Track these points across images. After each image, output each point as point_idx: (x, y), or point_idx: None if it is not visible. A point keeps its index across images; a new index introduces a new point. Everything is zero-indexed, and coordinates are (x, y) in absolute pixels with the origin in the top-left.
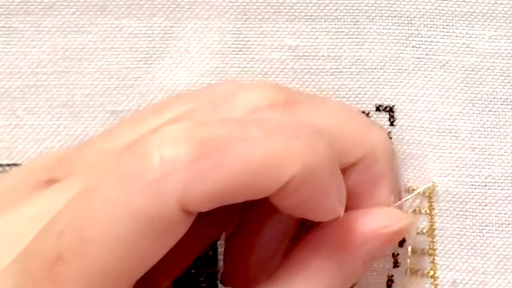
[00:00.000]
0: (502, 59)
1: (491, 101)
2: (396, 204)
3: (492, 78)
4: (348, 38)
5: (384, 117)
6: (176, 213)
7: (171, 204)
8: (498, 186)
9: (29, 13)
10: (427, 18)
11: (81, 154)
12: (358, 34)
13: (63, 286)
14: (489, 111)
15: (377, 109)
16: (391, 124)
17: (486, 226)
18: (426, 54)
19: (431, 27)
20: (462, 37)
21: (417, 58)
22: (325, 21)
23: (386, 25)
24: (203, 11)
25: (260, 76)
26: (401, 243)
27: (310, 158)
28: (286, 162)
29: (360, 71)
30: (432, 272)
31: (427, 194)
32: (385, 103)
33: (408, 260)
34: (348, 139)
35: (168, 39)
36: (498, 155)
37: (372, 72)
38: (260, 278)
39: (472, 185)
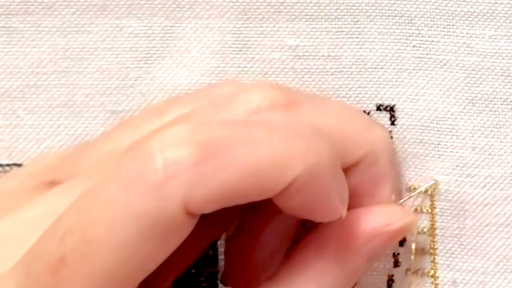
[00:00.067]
0: (503, 59)
1: (491, 101)
2: (398, 203)
3: (492, 78)
4: (349, 38)
5: (385, 116)
6: (180, 215)
7: (175, 206)
8: (498, 186)
9: (29, 13)
10: (427, 17)
11: (82, 155)
12: (358, 34)
13: None
14: (490, 110)
15: (378, 108)
16: (392, 123)
17: (486, 226)
18: (427, 54)
19: (431, 26)
20: (463, 36)
21: (417, 57)
22: (325, 21)
23: (386, 25)
24: (203, 11)
25: (260, 76)
26: (402, 242)
27: (312, 159)
28: (289, 164)
29: (360, 71)
30: (432, 272)
31: (429, 192)
32: (386, 103)
33: (412, 257)
34: (349, 138)
35: (169, 39)
36: (498, 155)
37: (372, 71)
38: (261, 278)
39: (471, 185)
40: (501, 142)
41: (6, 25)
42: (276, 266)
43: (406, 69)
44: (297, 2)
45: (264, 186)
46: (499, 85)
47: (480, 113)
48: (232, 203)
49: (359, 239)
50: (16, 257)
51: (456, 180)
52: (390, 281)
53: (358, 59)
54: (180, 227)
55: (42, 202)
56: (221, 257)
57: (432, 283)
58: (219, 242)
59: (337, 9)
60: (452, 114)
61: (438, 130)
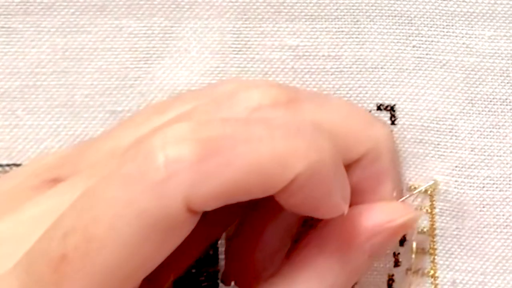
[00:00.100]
0: (502, 59)
1: (490, 101)
2: (399, 201)
3: (492, 78)
4: (349, 38)
5: (385, 116)
6: (181, 213)
7: (176, 204)
8: (497, 187)
9: (29, 13)
10: (427, 18)
11: (83, 153)
12: (358, 34)
13: (68, 286)
14: (489, 111)
15: (378, 108)
16: (392, 123)
17: (485, 227)
18: (427, 54)
19: (431, 27)
20: (462, 37)
21: (417, 57)
22: (325, 21)
23: (386, 25)
24: (203, 11)
25: (260, 76)
26: (402, 242)
27: (314, 156)
28: (291, 161)
29: (360, 71)
30: (432, 272)
31: (429, 192)
32: (386, 102)
33: (413, 256)
34: (351, 135)
35: (168, 39)
36: (497, 155)
37: (373, 71)
38: (262, 276)
39: (471, 185)
40: (500, 142)
41: (5, 25)
42: (277, 265)
43: (406, 69)
44: (297, 2)
45: (266, 183)
46: (498, 85)
47: (479, 113)
48: (233, 200)
49: (361, 236)
50: (17, 256)
51: (456, 181)
52: (391, 280)
53: (358, 59)
54: (182, 224)
55: (43, 201)
56: (221, 256)
57: (432, 283)
58: (219, 242)
59: (337, 9)
60: (451, 114)
61: (438, 130)
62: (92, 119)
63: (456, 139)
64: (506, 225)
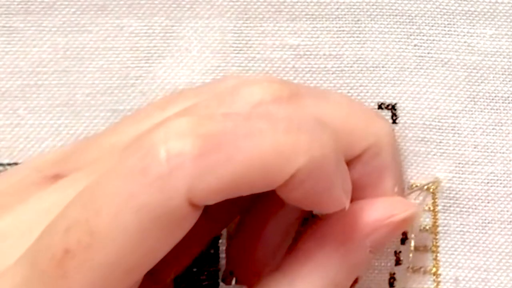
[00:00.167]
0: (504, 57)
1: (492, 99)
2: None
3: (493, 77)
4: (350, 37)
5: (386, 115)
6: (183, 207)
7: (179, 198)
8: (501, 183)
9: (30, 12)
10: (428, 17)
11: (85, 149)
12: (359, 33)
13: (71, 280)
14: (491, 109)
15: (379, 107)
16: (394, 122)
17: (488, 223)
18: (428, 53)
19: (432, 25)
20: (464, 35)
21: (418, 56)
22: (326, 20)
23: (387, 24)
24: (204, 10)
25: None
26: (404, 240)
27: (315, 150)
28: (292, 155)
29: (362, 70)
30: (434, 269)
31: (431, 190)
32: (388, 101)
33: (411, 255)
34: (352, 131)
35: (169, 38)
36: (500, 152)
37: (374, 70)
38: (263, 272)
39: (474, 182)
40: (503, 140)
41: (6, 25)
42: (278, 261)
43: (408, 68)
44: (297, 1)
45: (267, 177)
46: (500, 83)
47: (481, 111)
48: (235, 194)
49: (362, 231)
50: (20, 251)
51: (459, 178)
52: (392, 279)
53: (360, 58)
54: (184, 218)
55: (45, 197)
56: (222, 255)
57: (434, 280)
58: (220, 241)
59: (338, 8)
60: (453, 113)
61: (440, 129)
62: (94, 118)
63: (458, 136)
64: (510, 222)
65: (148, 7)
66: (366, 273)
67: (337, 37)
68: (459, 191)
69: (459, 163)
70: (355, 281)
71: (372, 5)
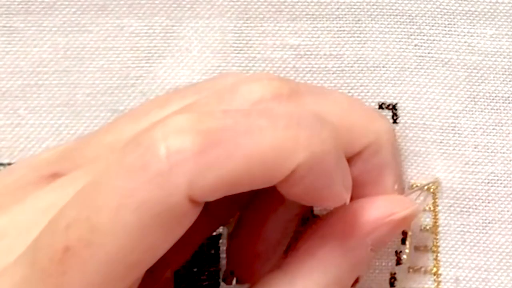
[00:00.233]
0: (504, 57)
1: (493, 99)
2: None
3: (494, 77)
4: (350, 37)
5: (387, 115)
6: (184, 203)
7: (179, 195)
8: (501, 183)
9: (30, 12)
10: (428, 16)
11: (84, 147)
12: (360, 33)
13: (72, 277)
14: (491, 109)
15: (380, 107)
16: (394, 121)
17: (489, 223)
18: (428, 53)
19: (432, 25)
20: (464, 35)
21: (419, 56)
22: (326, 20)
23: (388, 24)
24: (204, 10)
25: None
26: (404, 240)
27: (315, 146)
28: (292, 151)
29: (362, 70)
30: (435, 269)
31: (431, 190)
32: (388, 101)
33: (407, 251)
34: (352, 128)
35: (170, 38)
36: (500, 152)
37: (374, 70)
38: (263, 270)
39: (475, 182)
40: (503, 140)
41: (7, 25)
42: (278, 258)
43: (408, 67)
44: (298, 1)
45: (267, 173)
46: (500, 83)
47: (482, 111)
48: (235, 190)
49: (363, 229)
50: (19, 249)
51: (460, 178)
52: (393, 279)
53: (360, 58)
54: (185, 215)
55: (43, 195)
56: (222, 255)
57: (434, 280)
58: (220, 241)
59: (338, 8)
60: (454, 113)
61: (440, 128)
62: (94, 118)
63: (459, 136)
64: (510, 222)
65: (149, 7)
66: (367, 273)
67: (338, 37)
68: (460, 191)
69: (459, 163)
70: (356, 280)
71: (373, 5)
